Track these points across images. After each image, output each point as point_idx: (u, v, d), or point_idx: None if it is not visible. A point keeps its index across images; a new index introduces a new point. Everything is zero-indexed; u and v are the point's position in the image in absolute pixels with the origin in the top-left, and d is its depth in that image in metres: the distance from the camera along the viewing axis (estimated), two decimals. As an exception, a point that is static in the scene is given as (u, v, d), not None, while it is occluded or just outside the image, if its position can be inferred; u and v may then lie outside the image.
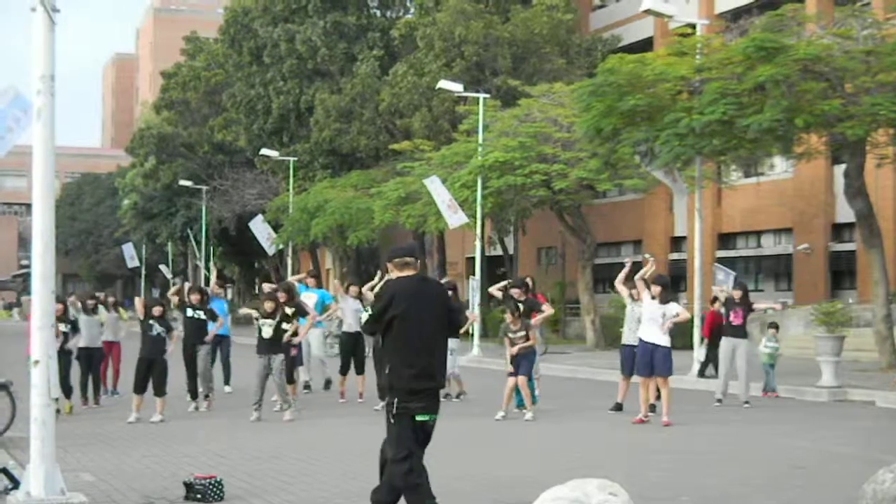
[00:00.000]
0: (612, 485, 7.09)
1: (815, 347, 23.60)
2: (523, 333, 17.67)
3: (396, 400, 8.59)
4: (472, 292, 36.54)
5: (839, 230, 40.89)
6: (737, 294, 20.64)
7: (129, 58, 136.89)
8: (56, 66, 9.76)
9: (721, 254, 43.67)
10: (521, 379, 17.66)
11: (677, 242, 47.26)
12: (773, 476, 12.23)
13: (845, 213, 35.02)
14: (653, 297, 17.27)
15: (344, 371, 20.75)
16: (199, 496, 10.40)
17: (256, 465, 12.70)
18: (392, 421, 8.62)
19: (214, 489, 10.44)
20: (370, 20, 55.16)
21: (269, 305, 17.91)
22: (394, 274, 8.94)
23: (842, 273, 41.19)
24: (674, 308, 17.42)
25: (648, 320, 17.35)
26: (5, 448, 13.69)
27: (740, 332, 20.37)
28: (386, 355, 8.89)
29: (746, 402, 20.15)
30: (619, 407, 18.75)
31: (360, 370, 20.68)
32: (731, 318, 20.46)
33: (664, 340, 17.23)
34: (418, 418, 8.59)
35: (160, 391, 17.47)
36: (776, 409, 19.93)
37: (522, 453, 14.17)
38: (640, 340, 17.44)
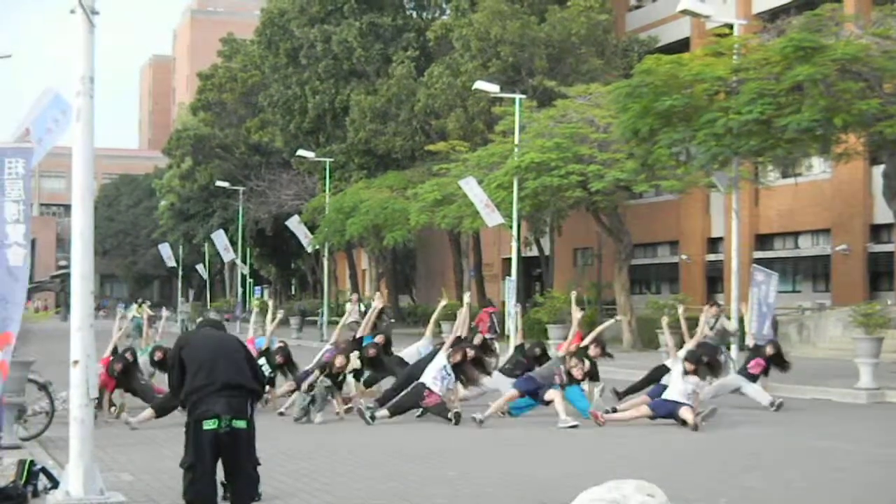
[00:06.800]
0: (650, 486, 7.08)
1: (853, 349, 23.42)
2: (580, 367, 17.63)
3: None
4: (507, 293, 36.41)
5: (877, 231, 40.59)
6: (769, 349, 20.19)
7: (166, 59, 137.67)
8: (95, 67, 9.80)
9: (758, 255, 43.40)
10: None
11: (714, 243, 47.06)
12: (813, 478, 12.15)
13: (884, 213, 34.75)
14: (687, 373, 17.11)
15: None
16: (236, 496, 10.41)
17: (293, 466, 12.73)
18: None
19: (252, 489, 10.44)
20: (406, 21, 55.24)
21: (340, 361, 17.79)
22: None
23: (880, 274, 40.88)
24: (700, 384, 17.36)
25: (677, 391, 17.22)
26: (44, 448, 13.77)
27: (751, 377, 19.93)
28: None
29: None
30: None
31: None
32: (750, 365, 20.05)
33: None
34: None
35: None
36: (815, 413, 19.80)
37: (562, 454, 14.15)
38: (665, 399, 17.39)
